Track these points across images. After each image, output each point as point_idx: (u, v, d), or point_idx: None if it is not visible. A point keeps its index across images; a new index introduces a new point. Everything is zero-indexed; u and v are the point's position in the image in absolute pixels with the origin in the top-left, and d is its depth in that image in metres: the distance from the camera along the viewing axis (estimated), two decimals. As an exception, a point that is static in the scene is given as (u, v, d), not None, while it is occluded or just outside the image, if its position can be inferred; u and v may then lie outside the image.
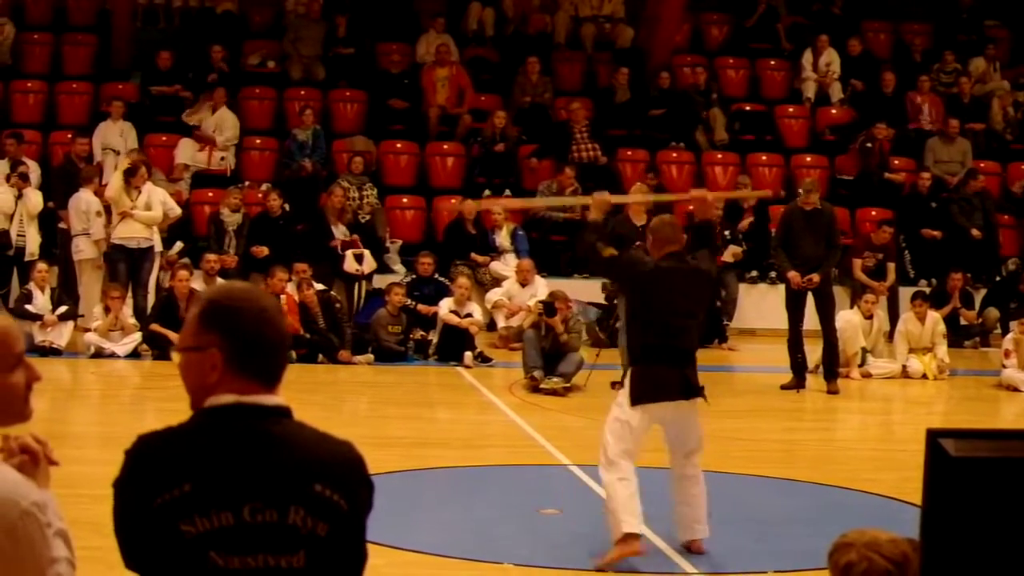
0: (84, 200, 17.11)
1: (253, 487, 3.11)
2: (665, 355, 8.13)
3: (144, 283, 16.94)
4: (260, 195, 19.08)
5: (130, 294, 16.64)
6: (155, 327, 15.82)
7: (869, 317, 16.51)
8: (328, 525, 3.13)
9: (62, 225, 17.66)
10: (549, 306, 14.87)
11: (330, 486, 3.14)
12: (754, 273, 19.42)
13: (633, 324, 8.41)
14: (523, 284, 17.73)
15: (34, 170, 18.23)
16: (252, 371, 3.18)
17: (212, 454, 3.14)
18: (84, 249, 17.15)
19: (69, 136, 19.20)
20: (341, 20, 21.66)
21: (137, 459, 3.18)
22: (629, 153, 21.02)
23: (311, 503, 3.12)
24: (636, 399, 8.08)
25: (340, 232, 18.27)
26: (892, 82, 21.80)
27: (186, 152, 19.87)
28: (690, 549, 8.42)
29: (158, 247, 17.21)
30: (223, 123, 20.08)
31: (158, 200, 16.99)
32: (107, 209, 17.20)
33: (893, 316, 17.74)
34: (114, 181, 17.00)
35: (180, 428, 3.20)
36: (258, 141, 20.76)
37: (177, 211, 17.39)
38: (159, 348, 15.77)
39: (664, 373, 8.13)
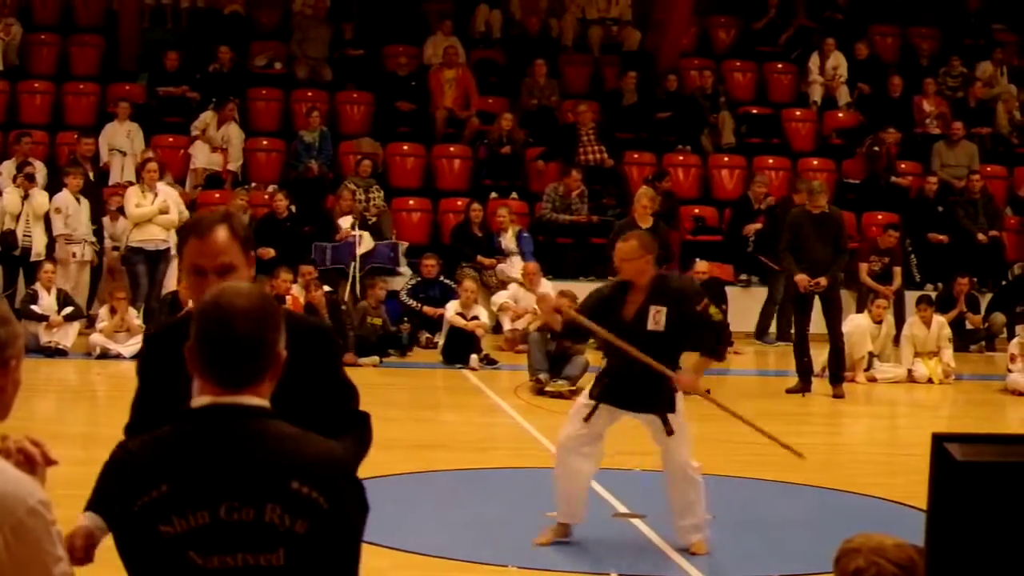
0: (61, 200, 17.12)
1: (229, 486, 3.10)
2: None
3: (159, 284, 16.97)
4: (267, 196, 19.09)
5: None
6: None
7: (879, 322, 16.49)
8: (307, 523, 3.10)
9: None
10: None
11: (308, 484, 3.10)
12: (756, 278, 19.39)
13: None
14: (529, 287, 17.72)
15: (40, 171, 18.22)
16: (214, 373, 3.17)
17: (188, 455, 3.13)
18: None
19: (76, 137, 19.21)
20: (347, 26, 21.67)
21: (119, 466, 3.18)
22: (636, 156, 20.99)
23: (288, 501, 3.09)
24: None
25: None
26: (899, 86, 21.78)
27: (202, 155, 19.84)
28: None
29: (174, 250, 17.25)
30: (231, 136, 20.03)
31: (173, 201, 17.07)
32: (119, 211, 17.37)
33: (899, 320, 17.71)
34: (130, 195, 17.12)
35: (159, 432, 3.20)
36: (264, 142, 20.76)
37: (185, 214, 17.40)
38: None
39: None
